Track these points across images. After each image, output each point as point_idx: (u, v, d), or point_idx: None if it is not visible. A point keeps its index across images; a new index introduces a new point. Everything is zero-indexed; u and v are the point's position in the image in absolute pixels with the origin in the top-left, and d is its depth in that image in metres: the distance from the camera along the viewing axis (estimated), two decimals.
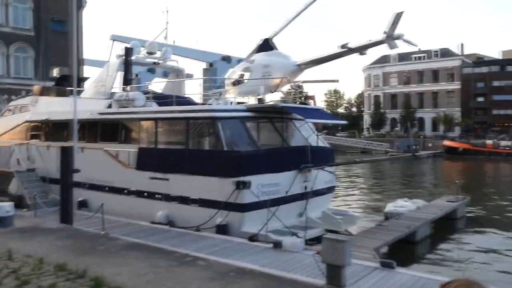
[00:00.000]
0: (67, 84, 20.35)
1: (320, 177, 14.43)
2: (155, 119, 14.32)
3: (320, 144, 15.43)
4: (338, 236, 7.85)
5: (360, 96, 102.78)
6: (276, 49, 14.77)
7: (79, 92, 19.72)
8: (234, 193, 12.16)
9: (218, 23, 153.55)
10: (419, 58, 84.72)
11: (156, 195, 14.05)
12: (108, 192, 15.51)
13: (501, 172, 41.55)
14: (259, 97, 13.96)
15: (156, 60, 18.34)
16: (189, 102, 17.05)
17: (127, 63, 16.25)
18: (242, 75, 15.36)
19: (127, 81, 16.30)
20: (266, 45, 14.63)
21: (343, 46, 12.65)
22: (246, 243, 11.14)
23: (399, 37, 11.68)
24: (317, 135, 14.98)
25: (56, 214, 14.67)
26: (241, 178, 12.13)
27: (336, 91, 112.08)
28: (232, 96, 16.85)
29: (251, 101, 16.16)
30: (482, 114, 77.15)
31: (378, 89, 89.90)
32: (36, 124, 19.36)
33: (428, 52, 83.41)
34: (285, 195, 13.07)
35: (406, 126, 73.28)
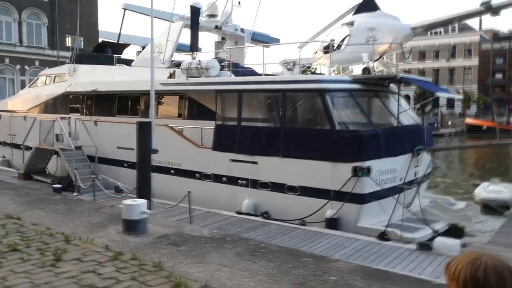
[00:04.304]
0: (112, 51, 17.94)
1: (427, 161, 12.48)
2: (239, 91, 12.11)
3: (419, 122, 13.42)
4: None
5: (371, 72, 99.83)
6: (380, 9, 12.51)
7: (127, 62, 17.45)
8: (351, 181, 10.14)
9: None
10: (436, 33, 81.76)
11: (240, 181, 12.00)
12: (175, 175, 13.46)
13: None
14: (365, 66, 11.76)
15: (218, 24, 15.96)
16: (252, 72, 14.82)
17: (194, 26, 13.88)
18: (333, 40, 13.08)
19: (194, 46, 13.97)
20: (368, 5, 12.35)
21: (483, 3, 10.45)
22: (378, 243, 9.19)
23: None
24: (422, 113, 12.91)
25: (117, 199, 12.70)
26: (360, 164, 10.09)
27: (344, 68, 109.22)
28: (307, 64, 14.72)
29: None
30: (500, 91, 75.25)
31: (391, 65, 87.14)
32: (78, 96, 17.07)
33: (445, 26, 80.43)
34: (400, 182, 11.10)
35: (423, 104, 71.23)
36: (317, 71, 16.48)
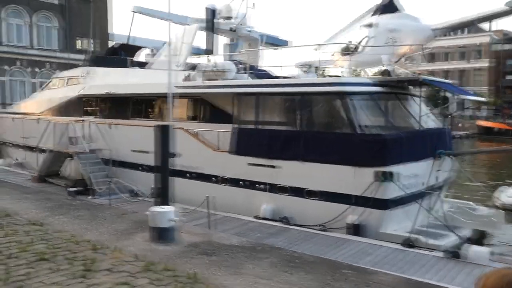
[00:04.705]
0: (125, 54, 17.86)
1: (448, 165, 12.22)
2: (257, 94, 11.95)
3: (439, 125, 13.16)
4: None
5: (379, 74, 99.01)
6: (399, 10, 12.28)
7: (141, 64, 17.38)
8: (373, 186, 9.92)
9: None
10: (445, 34, 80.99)
11: (258, 185, 11.82)
12: (192, 179, 13.28)
13: None
14: (385, 68, 11.56)
15: (233, 26, 15.82)
16: (267, 75, 14.65)
17: (209, 28, 13.75)
18: (350, 42, 12.89)
19: (210, 49, 13.83)
20: (388, 6, 12.14)
21: (509, 3, 10.18)
22: (403, 250, 8.98)
23: None
24: (444, 116, 12.68)
25: (133, 204, 12.61)
26: (383, 168, 9.87)
27: (353, 69, 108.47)
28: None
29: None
30: (511, 93, 74.37)
31: (409, 67, 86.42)
32: (92, 98, 17.00)
33: None
34: (422, 187, 10.86)
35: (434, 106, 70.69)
36: (328, 73, 16.29)
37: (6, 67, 34.50)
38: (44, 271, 5.20)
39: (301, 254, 5.86)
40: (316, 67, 13.94)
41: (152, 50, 21.97)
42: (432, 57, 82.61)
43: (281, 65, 15.93)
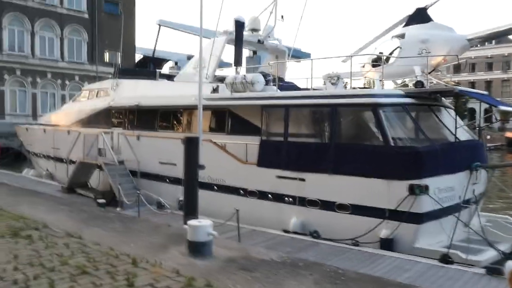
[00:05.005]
0: (153, 66, 18.13)
1: (483, 178, 11.82)
2: (286, 106, 11.86)
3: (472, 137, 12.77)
4: None
5: (404, 87, 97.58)
6: (432, 20, 12.08)
7: (168, 76, 17.59)
8: (407, 200, 9.65)
9: None
10: (476, 45, 79.54)
11: (286, 198, 11.67)
12: (218, 192, 13.22)
13: None
14: (418, 79, 11.33)
15: (260, 38, 15.85)
16: (294, 87, 14.57)
17: (238, 40, 13.80)
18: (382, 53, 12.71)
19: (238, 61, 13.87)
20: (420, 16, 11.96)
21: None
22: (441, 266, 8.64)
23: None
24: (479, 128, 12.33)
25: (161, 216, 12.61)
26: (417, 181, 9.60)
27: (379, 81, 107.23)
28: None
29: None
30: None
31: (423, 79, 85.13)
32: (121, 110, 17.23)
33: None
34: (458, 201, 10.52)
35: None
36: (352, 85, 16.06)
37: (38, 79, 35.56)
38: (87, 285, 5.20)
39: (345, 271, 5.66)
40: (345, 79, 13.79)
41: (176, 63, 22.24)
42: (458, 68, 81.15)
43: (309, 77, 15.84)
